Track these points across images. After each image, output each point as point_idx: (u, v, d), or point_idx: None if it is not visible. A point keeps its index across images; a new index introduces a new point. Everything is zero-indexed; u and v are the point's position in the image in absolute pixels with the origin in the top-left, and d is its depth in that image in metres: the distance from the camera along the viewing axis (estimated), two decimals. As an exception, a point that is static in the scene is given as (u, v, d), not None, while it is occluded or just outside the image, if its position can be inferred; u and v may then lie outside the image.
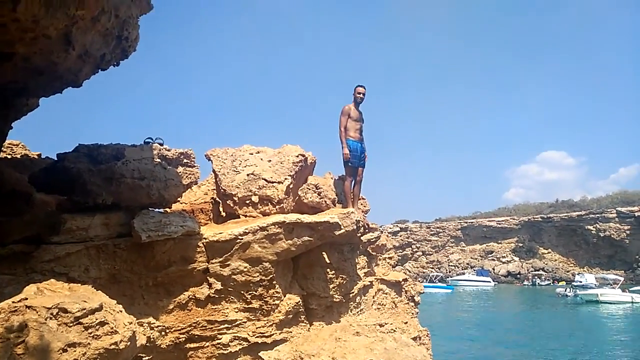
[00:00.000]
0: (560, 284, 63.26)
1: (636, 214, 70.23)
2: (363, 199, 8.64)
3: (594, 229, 73.83)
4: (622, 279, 54.16)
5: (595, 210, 75.06)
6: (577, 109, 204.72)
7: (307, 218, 5.95)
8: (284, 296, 5.80)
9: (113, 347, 3.44)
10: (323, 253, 6.41)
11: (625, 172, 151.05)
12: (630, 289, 48.05)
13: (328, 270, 6.41)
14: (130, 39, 5.27)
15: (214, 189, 7.58)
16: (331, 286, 6.37)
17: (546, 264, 77.21)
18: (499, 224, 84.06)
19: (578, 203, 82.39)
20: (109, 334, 3.47)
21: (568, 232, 78.05)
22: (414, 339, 6.39)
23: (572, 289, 50.51)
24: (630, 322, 30.95)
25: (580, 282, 57.75)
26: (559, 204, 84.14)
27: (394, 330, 5.94)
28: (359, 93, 7.76)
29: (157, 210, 5.56)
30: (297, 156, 7.13)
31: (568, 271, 74.43)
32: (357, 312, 6.70)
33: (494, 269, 77.90)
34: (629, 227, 71.20)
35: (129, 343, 3.56)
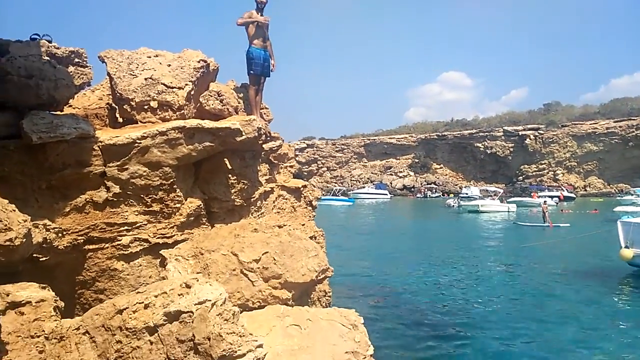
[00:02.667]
0: (450, 196, 68.88)
1: (520, 132, 76.92)
2: (266, 108, 8.75)
3: (482, 146, 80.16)
4: (501, 191, 60.17)
5: (484, 129, 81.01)
6: (478, 32, 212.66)
7: (208, 124, 5.97)
8: (185, 200, 5.92)
9: (8, 243, 3.44)
10: (225, 159, 6.53)
11: (515, 94, 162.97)
12: (507, 200, 53.81)
13: (230, 175, 6.58)
14: None
15: (109, 94, 7.24)
16: (232, 191, 6.58)
17: (438, 178, 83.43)
18: (399, 141, 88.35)
19: (470, 122, 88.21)
20: (3, 231, 3.45)
21: (459, 149, 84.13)
22: (311, 238, 6.89)
23: (457, 200, 55.36)
24: (500, 227, 35.05)
25: (467, 194, 63.28)
26: (453, 123, 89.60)
27: (291, 230, 6.38)
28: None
29: (48, 111, 5.30)
30: (199, 62, 6.96)
31: (457, 185, 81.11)
32: (258, 215, 7.04)
33: (391, 183, 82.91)
34: (512, 144, 78.13)
35: (24, 240, 3.57)
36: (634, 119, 69.67)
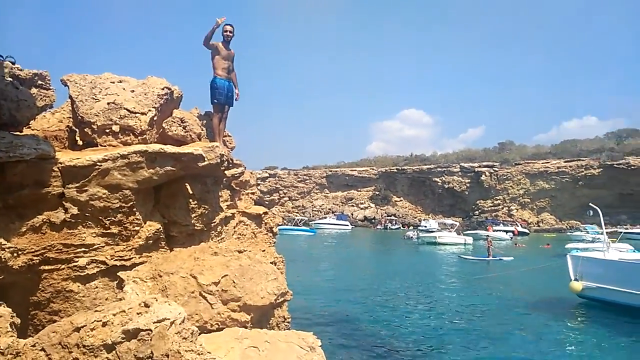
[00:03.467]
0: (410, 228, 69.76)
1: (476, 169, 79.27)
2: (229, 135, 8.87)
3: (440, 181, 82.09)
4: (457, 224, 61.73)
5: (442, 165, 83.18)
6: (437, 72, 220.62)
7: (170, 149, 6.03)
8: (144, 223, 5.92)
9: (-37, 259, 3.40)
10: (186, 184, 6.58)
11: (472, 133, 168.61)
12: (464, 232, 55.06)
13: (190, 200, 6.61)
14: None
15: (69, 117, 7.22)
16: (193, 215, 6.61)
17: (398, 211, 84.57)
18: (360, 174, 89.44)
19: (429, 158, 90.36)
20: (-42, 247, 3.42)
21: (418, 183, 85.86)
22: (271, 263, 6.94)
23: (416, 232, 56.25)
24: (455, 259, 35.65)
25: (425, 226, 64.38)
26: (412, 158, 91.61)
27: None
28: (226, 31, 7.85)
29: (7, 132, 5.27)
30: (163, 89, 7.05)
31: (416, 217, 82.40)
32: (218, 240, 7.07)
33: (352, 214, 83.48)
34: (469, 180, 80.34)
35: (-21, 257, 3.54)
36: (583, 160, 72.98)
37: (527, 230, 68.83)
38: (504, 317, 16.27)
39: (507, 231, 62.28)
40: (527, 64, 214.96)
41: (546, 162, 75.82)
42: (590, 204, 22.73)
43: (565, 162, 74.32)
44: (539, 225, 75.98)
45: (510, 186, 77.66)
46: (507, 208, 78.36)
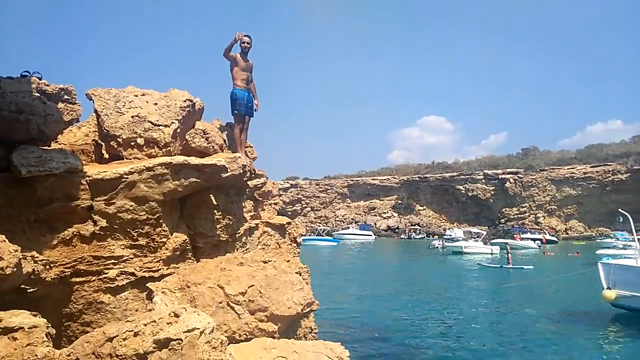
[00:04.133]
0: (435, 237, 68.96)
1: (500, 176, 78.17)
2: (250, 146, 8.92)
3: (464, 189, 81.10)
4: (484, 232, 60.52)
5: (465, 172, 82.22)
6: (458, 79, 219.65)
7: (194, 160, 6.10)
8: (171, 234, 5.98)
9: (-2, 272, 3.47)
10: (210, 195, 6.63)
11: (495, 139, 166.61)
12: (491, 242, 54.14)
13: (215, 211, 6.66)
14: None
15: (95, 131, 7.37)
16: (218, 226, 6.64)
17: (421, 220, 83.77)
18: (382, 183, 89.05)
19: (451, 165, 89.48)
20: (-7, 260, 3.48)
21: (441, 191, 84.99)
22: (296, 274, 6.92)
23: (442, 242, 55.52)
24: (479, 268, 34.95)
25: (450, 235, 63.46)
26: (434, 166, 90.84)
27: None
28: (244, 42, 7.93)
29: (37, 146, 5.39)
30: (185, 101, 7.15)
31: (440, 226, 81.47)
32: (243, 251, 7.08)
33: (375, 224, 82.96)
34: (493, 188, 79.21)
35: (15, 269, 3.60)
36: (609, 165, 71.41)
37: (555, 238, 67.39)
38: (535, 328, 15.88)
39: (534, 239, 61.02)
40: (550, 67, 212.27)
41: (572, 168, 74.40)
42: (620, 210, 22.09)
43: (591, 167, 72.82)
44: (567, 233, 74.40)
45: (536, 193, 76.30)
46: (533, 215, 76.94)
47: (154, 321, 3.54)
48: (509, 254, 36.06)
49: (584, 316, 17.63)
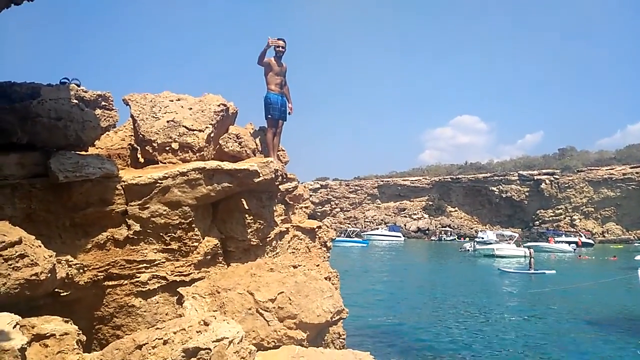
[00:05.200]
0: (466, 239, 67.93)
1: (535, 177, 76.34)
2: (282, 150, 8.93)
3: (497, 190, 79.50)
4: (517, 235, 59.17)
5: (499, 173, 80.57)
6: (492, 76, 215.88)
7: (227, 165, 6.14)
8: (203, 238, 6.03)
9: (34, 278, 3.56)
10: (242, 199, 6.66)
11: (530, 138, 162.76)
12: (524, 244, 52.93)
13: (246, 215, 6.69)
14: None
15: (131, 135, 7.52)
16: (249, 230, 6.67)
17: (453, 221, 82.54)
18: (412, 183, 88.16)
19: (484, 166, 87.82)
20: (29, 265, 3.58)
21: (474, 193, 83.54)
22: (325, 279, 6.90)
23: (473, 244, 54.61)
24: (513, 272, 34.03)
25: (482, 238, 62.31)
26: (467, 166, 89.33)
27: (306, 271, 6.42)
28: (279, 46, 7.92)
29: (74, 152, 5.52)
30: (219, 105, 7.21)
31: (472, 228, 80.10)
32: (273, 255, 7.10)
33: (405, 225, 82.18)
34: (528, 189, 77.37)
35: (49, 275, 3.69)
36: (650, 165, 69.00)
37: (591, 241, 65.45)
38: (569, 337, 15.43)
39: (569, 242, 59.41)
40: (587, 63, 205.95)
41: (610, 169, 72.02)
42: None
43: (631, 168, 70.32)
44: (604, 236, 72.15)
45: (573, 195, 74.19)
46: (569, 218, 74.89)
47: (184, 329, 3.57)
48: (532, 259, 35.25)
49: (622, 324, 17.03)
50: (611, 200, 72.18)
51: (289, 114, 8.38)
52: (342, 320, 6.74)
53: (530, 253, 36.97)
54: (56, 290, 4.52)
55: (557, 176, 75.02)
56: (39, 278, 3.60)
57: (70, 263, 4.69)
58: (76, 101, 5.89)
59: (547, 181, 75.37)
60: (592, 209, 74.02)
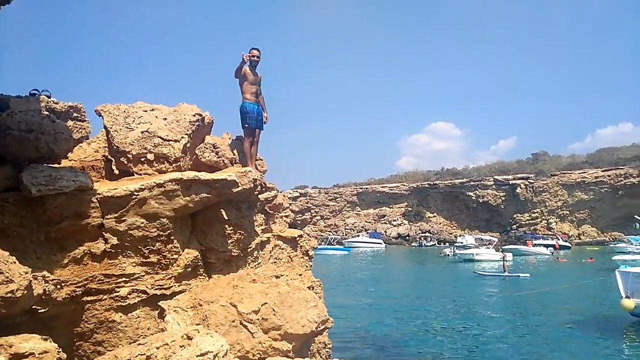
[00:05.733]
0: (446, 245, 68.39)
1: (510, 182, 77.52)
2: (260, 159, 8.87)
3: (474, 195, 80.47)
4: (496, 240, 59.98)
5: (475, 178, 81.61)
6: (466, 84, 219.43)
7: (204, 175, 6.05)
8: (182, 250, 5.91)
9: (9, 295, 3.41)
10: (221, 210, 6.56)
11: (504, 144, 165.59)
12: (503, 248, 53.57)
13: (226, 226, 6.59)
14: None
15: (105, 147, 7.35)
16: (229, 241, 6.57)
17: (432, 227, 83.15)
18: (391, 190, 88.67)
19: (461, 171, 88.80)
20: (4, 283, 3.44)
21: (451, 198, 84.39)
22: (308, 288, 6.84)
23: (453, 249, 55.06)
24: (490, 276, 34.34)
25: (462, 242, 62.81)
26: (444, 172, 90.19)
27: (289, 280, 6.34)
28: (254, 56, 7.90)
29: (46, 165, 5.37)
30: (194, 115, 7.11)
31: (451, 233, 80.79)
32: (255, 266, 7.01)
33: (385, 232, 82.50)
34: (504, 193, 78.50)
35: (25, 292, 3.55)
36: (621, 168, 70.51)
37: (568, 244, 66.58)
38: (550, 339, 15.59)
39: (547, 245, 60.33)
40: (558, 70, 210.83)
41: (583, 172, 73.55)
42: (636, 216, 21.76)
43: (602, 171, 71.94)
44: (580, 238, 73.49)
45: (548, 198, 75.48)
46: (545, 221, 76.09)
47: (167, 344, 3.46)
48: (505, 262, 35.83)
49: (601, 325, 17.31)
50: (585, 203, 73.64)
51: (265, 123, 8.34)
52: (327, 330, 6.67)
53: (504, 257, 37.48)
54: (33, 307, 4.35)
55: (531, 180, 76.28)
56: (14, 295, 3.45)
57: (46, 279, 4.52)
58: (47, 113, 5.74)
59: (522, 185, 76.60)
60: (567, 212, 75.40)
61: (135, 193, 5.51)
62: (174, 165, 6.51)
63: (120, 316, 5.30)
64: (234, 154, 7.70)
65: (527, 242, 62.06)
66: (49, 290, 4.39)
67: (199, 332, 3.59)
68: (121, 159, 6.49)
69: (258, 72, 8.15)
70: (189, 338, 3.50)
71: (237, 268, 6.63)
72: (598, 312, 19.65)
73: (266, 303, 5.04)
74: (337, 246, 66.59)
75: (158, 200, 5.64)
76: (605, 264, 36.22)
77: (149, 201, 5.59)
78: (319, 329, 5.33)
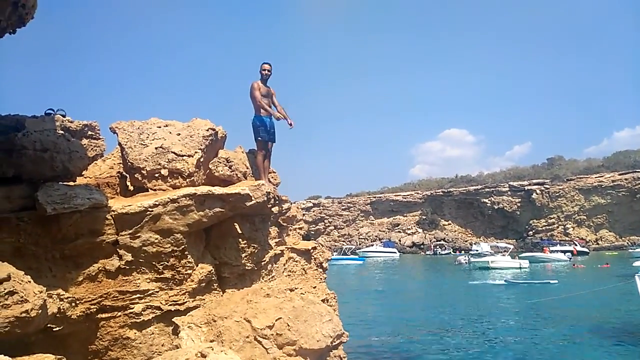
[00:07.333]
0: (461, 252, 67.74)
1: (526, 187, 76.70)
2: (273, 172, 8.88)
3: (489, 202, 79.69)
4: (512, 247, 59.12)
5: (490, 185, 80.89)
6: (479, 90, 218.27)
7: (218, 190, 6.07)
8: (197, 266, 5.93)
9: (24, 315, 3.44)
10: (235, 224, 6.58)
11: (518, 149, 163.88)
12: (519, 256, 52.92)
13: (240, 240, 6.60)
14: (27, 6, 5.04)
15: (120, 163, 7.43)
16: (243, 255, 6.58)
17: (447, 235, 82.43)
18: (405, 198, 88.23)
19: (475, 178, 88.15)
20: (19, 302, 3.46)
21: (466, 205, 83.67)
22: (323, 301, 6.80)
23: (468, 257, 54.48)
24: (505, 284, 33.88)
25: (477, 250, 62.06)
26: (458, 179, 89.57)
27: (303, 294, 6.31)
28: (265, 70, 7.96)
29: (61, 183, 5.43)
30: (207, 130, 7.17)
31: (466, 241, 80.00)
32: (269, 279, 6.99)
33: (400, 240, 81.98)
34: (519, 199, 77.64)
35: (40, 311, 3.57)
36: (638, 171, 69.46)
37: (586, 250, 65.54)
38: (568, 346, 15.31)
39: (565, 251, 59.43)
40: (573, 73, 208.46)
41: (600, 176, 72.55)
42: None
43: (619, 175, 70.89)
44: (598, 244, 72.33)
45: (564, 203, 74.51)
46: (562, 227, 75.05)
47: (181, 362, 3.46)
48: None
49: (621, 332, 16.94)
50: (602, 208, 72.57)
51: (291, 127, 8.27)
52: (342, 344, 6.62)
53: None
54: (48, 325, 4.39)
55: (547, 185, 75.39)
56: (29, 315, 3.48)
57: (61, 297, 4.57)
58: (62, 132, 5.82)
59: (538, 191, 75.73)
60: (585, 217, 74.31)
61: (150, 209, 5.54)
62: (187, 180, 6.55)
63: (135, 333, 5.31)
64: (247, 168, 7.73)
65: (544, 248, 61.22)
66: (63, 309, 4.42)
67: (212, 349, 3.58)
68: (136, 175, 6.55)
69: (269, 86, 8.19)
70: (203, 355, 3.49)
71: (251, 282, 6.62)
72: (617, 319, 19.26)
73: (280, 318, 5.01)
74: (352, 256, 66.27)
75: (172, 215, 5.67)
76: (625, 269, 35.56)
77: (163, 217, 5.62)
78: (334, 343, 5.29)
